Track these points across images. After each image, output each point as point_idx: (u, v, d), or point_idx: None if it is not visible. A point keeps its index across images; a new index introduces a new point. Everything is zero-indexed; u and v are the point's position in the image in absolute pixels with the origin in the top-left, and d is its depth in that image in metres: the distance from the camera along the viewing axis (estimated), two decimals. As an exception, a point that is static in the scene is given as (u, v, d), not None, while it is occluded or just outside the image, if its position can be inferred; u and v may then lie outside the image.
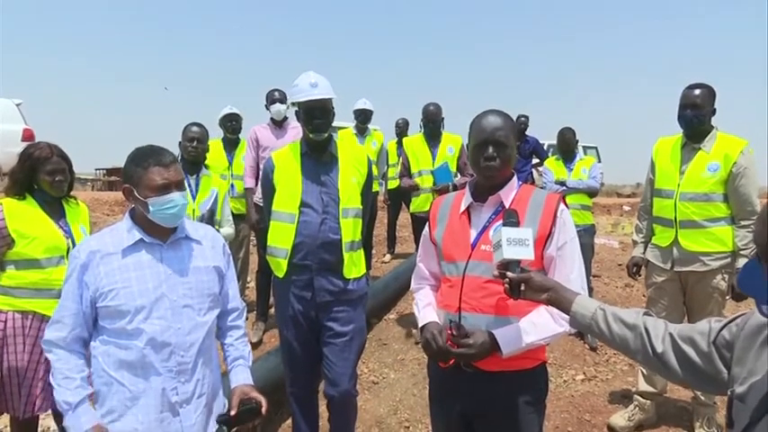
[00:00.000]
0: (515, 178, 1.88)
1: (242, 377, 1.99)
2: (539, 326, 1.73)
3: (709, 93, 3.03)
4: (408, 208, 5.26)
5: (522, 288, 1.52)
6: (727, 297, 3.10)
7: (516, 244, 1.53)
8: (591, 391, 3.87)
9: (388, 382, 4.10)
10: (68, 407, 1.73)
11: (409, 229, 6.49)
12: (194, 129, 3.56)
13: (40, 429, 2.84)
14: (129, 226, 1.84)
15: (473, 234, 1.83)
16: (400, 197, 6.69)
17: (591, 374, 4.13)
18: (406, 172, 4.84)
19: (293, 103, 2.67)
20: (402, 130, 7.13)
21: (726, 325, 1.20)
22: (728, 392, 1.11)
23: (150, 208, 1.77)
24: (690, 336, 1.25)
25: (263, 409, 1.90)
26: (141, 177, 1.77)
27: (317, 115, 2.58)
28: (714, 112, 3.06)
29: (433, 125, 4.71)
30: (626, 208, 15.49)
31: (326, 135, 2.65)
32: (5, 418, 2.83)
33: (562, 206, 1.81)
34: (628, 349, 1.36)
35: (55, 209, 2.69)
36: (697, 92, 3.02)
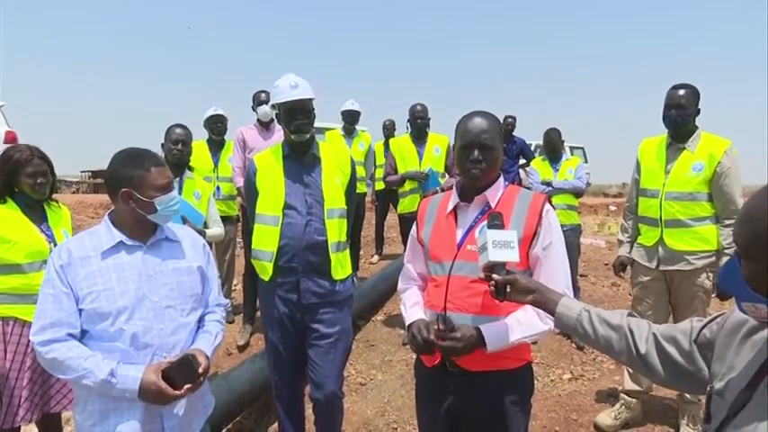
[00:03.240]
0: (501, 178, 1.88)
1: (198, 343, 1.88)
2: (524, 324, 1.74)
3: (694, 93, 3.06)
4: (396, 209, 5.26)
5: (508, 290, 1.53)
6: (713, 295, 3.13)
7: (501, 246, 1.54)
8: (578, 390, 3.88)
9: (375, 383, 4.09)
10: (110, 375, 1.66)
11: (397, 230, 6.50)
12: (178, 131, 3.52)
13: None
14: (108, 228, 1.83)
15: (459, 234, 1.84)
16: (388, 198, 6.69)
17: (578, 373, 4.15)
18: (391, 171, 4.85)
19: (273, 105, 2.66)
20: (389, 131, 7.13)
21: (707, 324, 1.22)
22: (708, 388, 1.13)
23: (157, 207, 1.79)
24: (672, 335, 1.27)
25: (201, 367, 1.75)
26: (144, 179, 1.77)
27: (297, 116, 2.57)
28: (698, 112, 3.09)
29: (419, 125, 4.72)
30: (612, 208, 15.62)
31: (308, 136, 2.64)
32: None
33: (548, 206, 1.82)
34: (612, 350, 1.37)
35: (37, 213, 2.64)
36: (681, 92, 3.05)
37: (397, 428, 3.50)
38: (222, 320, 2.05)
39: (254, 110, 4.76)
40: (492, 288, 1.55)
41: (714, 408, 1.09)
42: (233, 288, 5.44)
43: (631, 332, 1.34)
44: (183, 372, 1.73)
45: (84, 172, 24.71)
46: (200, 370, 1.76)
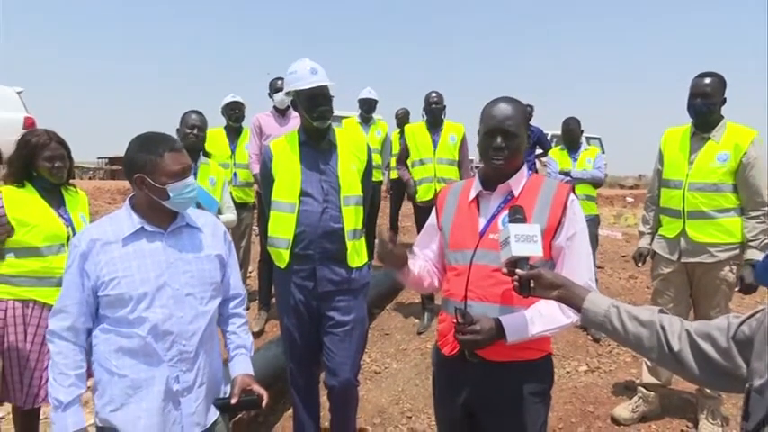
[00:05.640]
0: (525, 167, 1.84)
1: (243, 366, 1.98)
2: (546, 316, 1.70)
3: (720, 82, 2.98)
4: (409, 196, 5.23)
5: (532, 285, 1.49)
6: (736, 289, 3.06)
7: (524, 240, 1.51)
8: (594, 383, 3.84)
9: (390, 371, 4.09)
10: (59, 404, 1.72)
11: (411, 219, 6.47)
12: (194, 116, 3.53)
13: (42, 416, 2.83)
14: (129, 214, 1.81)
15: (481, 222, 1.81)
16: (403, 187, 6.66)
17: (594, 366, 4.11)
18: (402, 160, 4.82)
19: (288, 92, 2.63)
20: (402, 120, 7.08)
21: (745, 320, 1.18)
22: (746, 386, 1.09)
23: (170, 194, 1.76)
24: (707, 332, 1.22)
25: (264, 403, 1.90)
26: (157, 165, 1.74)
27: (320, 102, 2.55)
28: (724, 101, 3.01)
29: (434, 111, 4.67)
30: (629, 199, 15.46)
31: (329, 122, 2.62)
32: (8, 406, 2.82)
33: (572, 196, 1.78)
34: (642, 347, 1.33)
35: (54, 197, 2.66)
36: (707, 81, 2.97)
37: (411, 417, 3.50)
38: (248, 322, 2.11)
39: (270, 97, 4.74)
40: (516, 283, 1.51)
41: (753, 405, 1.05)
42: (248, 275, 5.46)
43: (663, 329, 1.29)
44: (248, 406, 1.96)
45: (101, 158, 24.95)
46: (264, 399, 1.90)
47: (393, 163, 6.40)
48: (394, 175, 6.53)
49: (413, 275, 1.95)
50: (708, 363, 1.22)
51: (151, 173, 1.74)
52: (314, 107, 2.54)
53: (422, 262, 2.01)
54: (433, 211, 2.02)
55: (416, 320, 4.83)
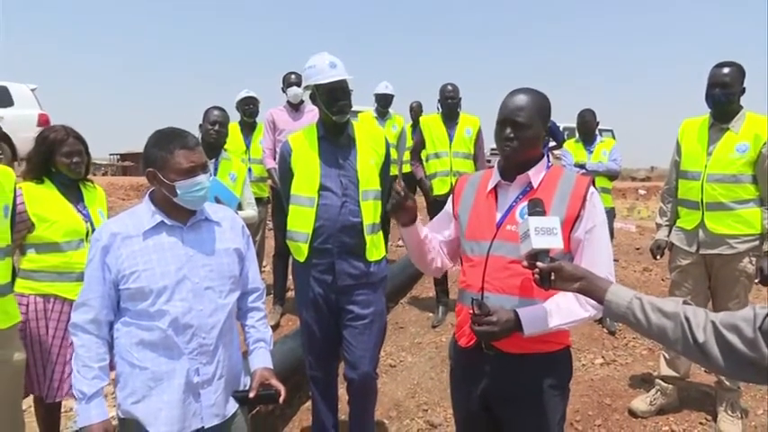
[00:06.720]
0: (545, 159, 1.84)
1: (262, 360, 1.99)
2: (564, 309, 1.69)
3: (739, 71, 2.94)
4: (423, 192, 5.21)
5: (552, 278, 1.48)
6: (755, 281, 3.03)
7: (544, 233, 1.50)
8: (610, 375, 3.83)
9: (405, 365, 4.09)
10: (82, 396, 1.74)
11: (423, 213, 6.44)
12: (216, 112, 3.53)
13: (63, 410, 2.87)
14: (149, 208, 1.83)
15: (499, 213, 1.80)
16: (415, 181, 6.65)
17: (610, 358, 4.09)
18: (416, 156, 4.80)
19: (307, 87, 2.63)
20: (416, 112, 7.06)
21: None
22: None
23: (177, 191, 1.76)
24: (733, 323, 1.21)
25: (281, 398, 1.91)
26: (166, 161, 1.75)
27: (339, 96, 2.55)
28: (743, 91, 2.98)
29: (450, 105, 4.65)
30: (641, 192, 15.33)
31: (348, 116, 2.62)
32: (30, 398, 2.86)
33: (592, 189, 1.77)
34: (666, 339, 1.31)
35: (73, 192, 2.68)
36: (726, 70, 2.93)
37: (427, 410, 3.50)
38: (266, 315, 2.13)
39: (283, 91, 4.74)
40: (536, 276, 1.50)
41: None
42: (262, 269, 5.48)
43: (687, 320, 1.27)
44: (266, 400, 1.94)
45: (113, 155, 25.16)
46: (281, 394, 1.91)
47: (406, 156, 6.39)
48: (407, 168, 6.52)
49: (418, 237, 1.91)
50: (733, 354, 1.20)
51: (161, 168, 1.76)
52: (333, 101, 2.54)
53: (432, 234, 1.99)
54: (450, 198, 2.00)
55: (430, 314, 4.83)
